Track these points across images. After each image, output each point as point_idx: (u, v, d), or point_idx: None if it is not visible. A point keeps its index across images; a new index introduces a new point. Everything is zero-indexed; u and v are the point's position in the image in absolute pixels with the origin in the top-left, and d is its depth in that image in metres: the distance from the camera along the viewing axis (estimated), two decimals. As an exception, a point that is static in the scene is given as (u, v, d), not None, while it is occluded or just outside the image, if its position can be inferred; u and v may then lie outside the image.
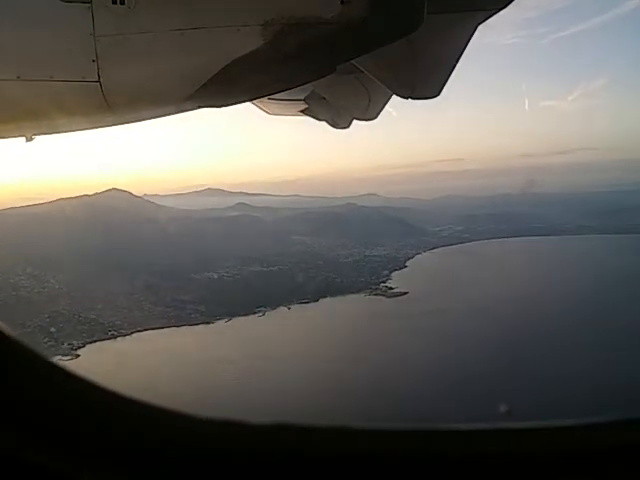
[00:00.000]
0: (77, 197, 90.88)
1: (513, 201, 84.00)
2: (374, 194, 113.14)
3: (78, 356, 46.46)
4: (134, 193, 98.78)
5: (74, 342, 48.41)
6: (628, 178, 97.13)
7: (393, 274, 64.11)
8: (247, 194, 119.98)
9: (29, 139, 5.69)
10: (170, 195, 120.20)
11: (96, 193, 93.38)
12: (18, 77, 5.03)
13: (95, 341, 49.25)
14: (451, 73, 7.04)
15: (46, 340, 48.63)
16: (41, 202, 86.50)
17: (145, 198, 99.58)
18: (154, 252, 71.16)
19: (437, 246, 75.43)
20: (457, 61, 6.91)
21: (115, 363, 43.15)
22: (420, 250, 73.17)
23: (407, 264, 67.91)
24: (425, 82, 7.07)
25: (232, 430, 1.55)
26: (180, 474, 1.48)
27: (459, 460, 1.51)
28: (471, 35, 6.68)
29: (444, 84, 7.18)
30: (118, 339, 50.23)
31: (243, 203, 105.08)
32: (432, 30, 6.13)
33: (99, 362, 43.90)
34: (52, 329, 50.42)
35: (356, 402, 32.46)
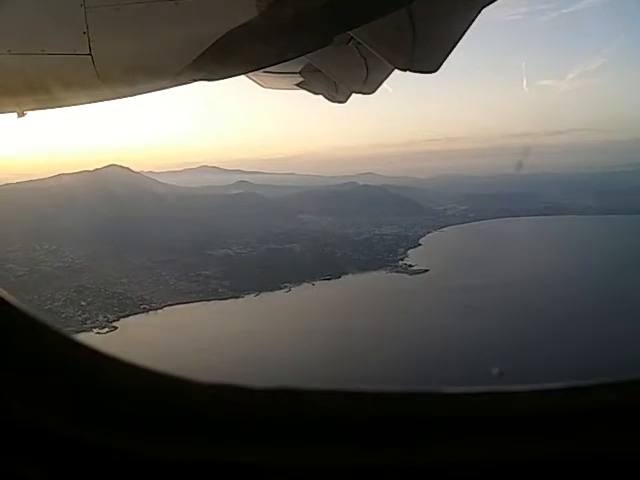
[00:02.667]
0: (78, 173, 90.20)
1: (512, 181, 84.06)
2: (371, 173, 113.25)
3: (116, 328, 47.06)
4: (133, 169, 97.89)
5: (109, 315, 48.89)
6: (625, 159, 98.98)
7: (409, 252, 65.02)
8: (243, 172, 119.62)
9: (21, 115, 5.62)
10: (166, 172, 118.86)
11: (96, 169, 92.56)
12: (9, 51, 4.90)
13: (128, 315, 49.66)
14: (452, 49, 6.86)
15: (79, 313, 49.14)
16: (41, 178, 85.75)
17: (144, 175, 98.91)
18: (163, 229, 71.23)
19: (446, 225, 76.21)
20: (459, 38, 6.79)
21: (154, 336, 43.89)
22: (430, 229, 73.93)
23: (420, 242, 68.78)
24: (424, 55, 6.75)
25: (235, 394, 1.59)
26: (185, 438, 1.51)
27: (455, 421, 1.57)
28: (476, 14, 6.64)
29: (444, 59, 6.93)
30: (150, 313, 50.70)
31: (244, 181, 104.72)
32: (435, 4, 6.49)
33: (138, 335, 44.57)
34: (82, 302, 50.75)
35: (401, 372, 33.56)
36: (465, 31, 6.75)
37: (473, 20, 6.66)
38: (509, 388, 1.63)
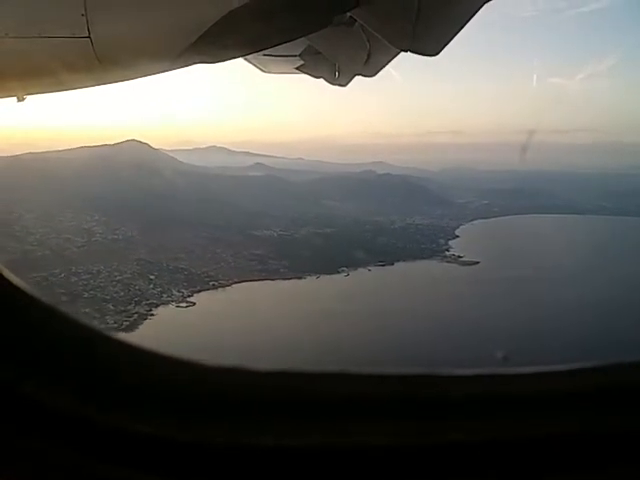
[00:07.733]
0: (99, 146, 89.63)
1: (523, 177, 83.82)
2: (382, 162, 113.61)
3: (194, 304, 47.83)
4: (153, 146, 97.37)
5: (183, 290, 49.50)
6: (635, 161, 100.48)
7: (450, 243, 66.12)
8: (252, 154, 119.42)
9: (20, 99, 5.51)
10: (178, 150, 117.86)
11: (116, 143, 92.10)
12: (6, 34, 4.83)
13: (200, 290, 50.29)
14: (455, 34, 6.68)
15: (151, 287, 49.75)
16: (64, 149, 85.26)
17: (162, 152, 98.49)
18: (197, 207, 71.29)
19: (474, 218, 77.08)
20: (464, 24, 6.58)
21: (237, 312, 44.83)
22: (460, 221, 74.73)
23: (457, 234, 69.68)
24: (426, 37, 6.51)
25: (238, 377, 1.60)
26: (190, 420, 1.53)
27: (456, 403, 1.60)
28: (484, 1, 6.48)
29: (446, 43, 6.74)
30: (219, 290, 51.27)
31: (261, 164, 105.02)
32: None
33: (220, 310, 45.46)
34: (151, 276, 51.31)
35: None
36: (471, 17, 6.58)
37: (480, 7, 6.50)
38: (511, 370, 1.68)
